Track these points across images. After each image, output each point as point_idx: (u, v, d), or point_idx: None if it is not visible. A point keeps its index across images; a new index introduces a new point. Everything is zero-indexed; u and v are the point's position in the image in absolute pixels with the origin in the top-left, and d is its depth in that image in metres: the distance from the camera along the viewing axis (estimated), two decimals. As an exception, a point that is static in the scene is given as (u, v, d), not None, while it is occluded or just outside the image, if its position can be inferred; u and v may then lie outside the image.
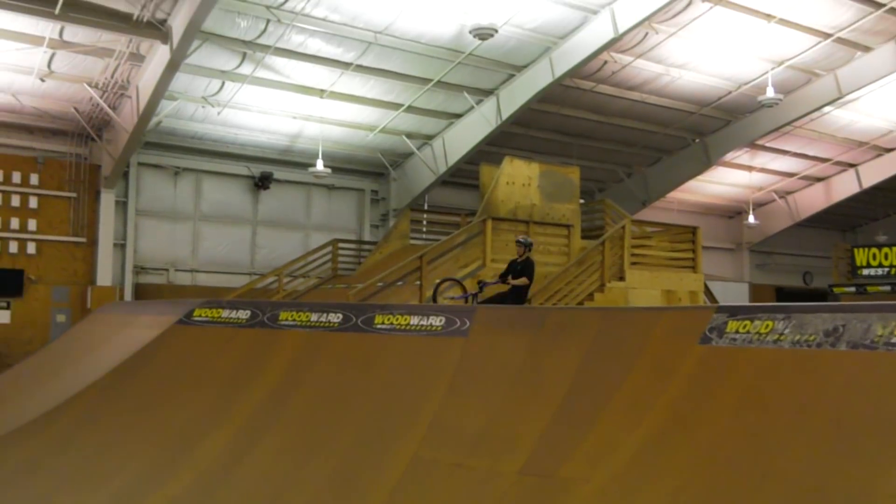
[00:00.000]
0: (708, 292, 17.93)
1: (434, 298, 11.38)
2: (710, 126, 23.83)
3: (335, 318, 5.66)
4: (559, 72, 18.25)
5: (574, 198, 17.02)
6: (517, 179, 16.17)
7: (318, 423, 5.02)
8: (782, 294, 32.24)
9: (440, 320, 5.56)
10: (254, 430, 5.11)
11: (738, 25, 17.88)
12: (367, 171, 23.40)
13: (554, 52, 18.17)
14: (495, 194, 15.77)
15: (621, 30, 16.66)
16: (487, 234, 14.91)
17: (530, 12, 16.56)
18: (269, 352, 5.73)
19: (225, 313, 6.49)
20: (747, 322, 4.45)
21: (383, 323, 5.64)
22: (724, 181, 28.21)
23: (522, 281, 11.72)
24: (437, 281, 12.30)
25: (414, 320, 5.64)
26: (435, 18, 16.53)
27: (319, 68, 18.16)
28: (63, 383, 7.28)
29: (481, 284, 11.95)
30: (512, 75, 19.31)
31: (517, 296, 11.61)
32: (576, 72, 18.58)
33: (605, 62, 19.01)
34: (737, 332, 4.47)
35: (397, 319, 5.66)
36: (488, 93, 20.04)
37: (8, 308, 18.38)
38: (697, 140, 24.59)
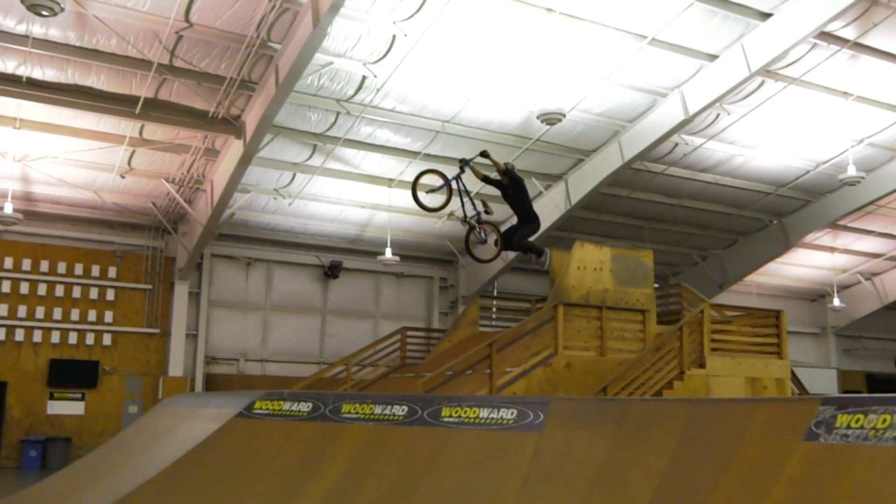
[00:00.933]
0: (795, 379, 16.90)
1: (414, 197, 10.20)
2: (789, 207, 23.07)
3: (400, 410, 5.34)
4: (629, 155, 18.00)
5: (648, 282, 16.44)
6: (588, 264, 15.73)
7: (382, 525, 4.68)
8: (874, 381, 30.41)
9: (512, 413, 5.17)
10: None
11: (815, 104, 17.40)
12: (435, 258, 23.34)
13: (623, 136, 17.98)
14: (566, 279, 15.35)
15: (692, 111, 16.37)
16: (559, 320, 14.43)
17: (598, 97, 16.46)
18: (331, 447, 5.41)
19: (286, 405, 6.23)
20: (860, 416, 3.93)
21: (451, 416, 5.29)
22: (806, 263, 27.13)
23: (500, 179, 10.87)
24: (414, 178, 10.45)
25: (483, 413, 5.26)
26: (502, 105, 16.58)
27: (388, 158, 18.34)
28: (124, 478, 7.09)
29: (463, 163, 10.43)
30: (581, 160, 19.14)
31: (527, 219, 11.05)
32: (646, 155, 18.30)
33: (676, 144, 18.69)
34: (848, 427, 3.95)
35: (465, 412, 5.30)
36: (557, 178, 19.88)
37: (82, 399, 18.59)
38: (775, 221, 23.81)
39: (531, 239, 11.71)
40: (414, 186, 10.15)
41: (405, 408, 5.34)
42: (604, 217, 22.31)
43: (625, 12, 14.26)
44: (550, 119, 15.26)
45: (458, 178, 10.35)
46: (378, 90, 15.65)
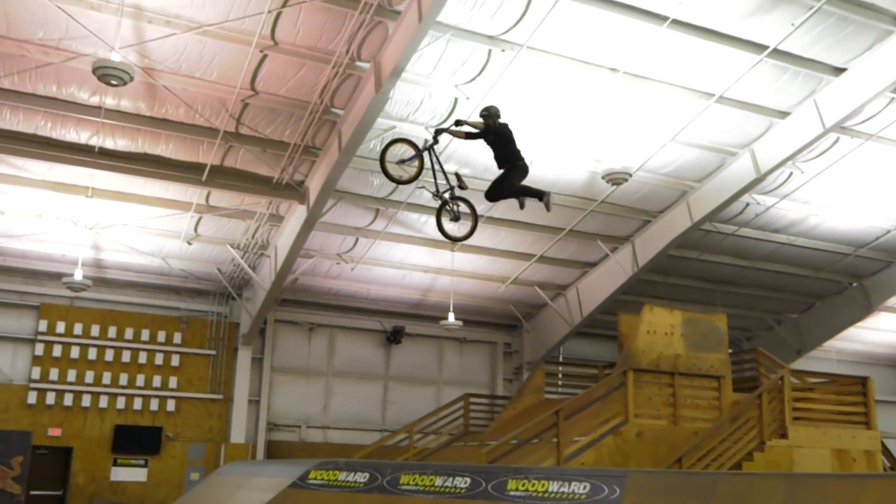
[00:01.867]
0: (886, 452, 15.83)
1: (382, 167, 9.43)
2: (869, 268, 22.02)
3: (462, 482, 4.96)
4: (698, 216, 17.46)
5: (722, 347, 15.75)
6: (659, 328, 15.17)
7: None
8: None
9: (584, 487, 4.74)
10: None
11: (893, 160, 16.68)
12: (499, 323, 22.94)
13: (691, 196, 17.49)
14: (636, 344, 14.80)
15: (763, 170, 15.83)
16: (629, 386, 13.87)
17: (664, 157, 16.07)
18: (389, 522, 5.07)
19: (342, 476, 5.90)
20: None
21: (517, 489, 4.88)
22: (891, 328, 25.76)
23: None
24: (382, 147, 9.80)
25: (553, 486, 4.85)
26: (566, 166, 16.32)
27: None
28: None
29: (437, 133, 9.74)
30: (647, 221, 18.68)
31: (515, 168, 9.84)
32: (715, 215, 17.72)
33: (748, 204, 18.07)
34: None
35: (533, 485, 4.89)
36: (623, 240, 19.42)
37: (145, 466, 18.52)
38: (855, 283, 22.73)
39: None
40: (382, 156, 9.59)
41: (468, 480, 4.96)
42: (672, 280, 21.64)
43: (691, 71, 13.98)
44: (616, 179, 14.95)
45: (430, 148, 9.79)
46: (441, 153, 15.56)
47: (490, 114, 9.57)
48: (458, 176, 10.34)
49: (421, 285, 20.75)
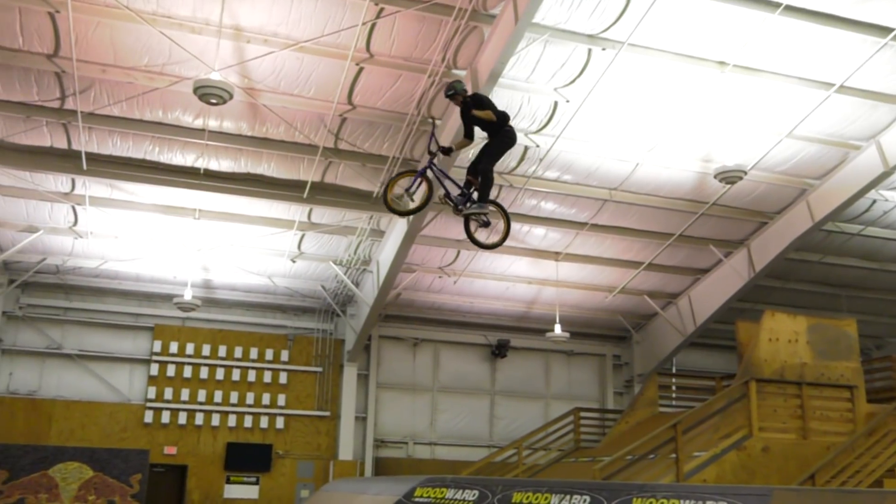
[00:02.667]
0: None
1: (387, 205, 8.67)
2: None
3: (581, 501, 4.49)
4: (819, 216, 16.36)
5: (853, 354, 14.58)
6: (781, 335, 14.17)
7: None
8: None
9: (722, 507, 4.22)
10: None
11: None
12: (607, 334, 22.22)
13: (811, 195, 16.40)
14: (757, 353, 13.87)
15: (891, 163, 14.70)
16: (752, 398, 12.97)
17: (781, 153, 15.14)
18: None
19: (449, 493, 5.54)
20: None
21: (644, 509, 4.40)
22: None
23: (487, 115, 8.79)
24: (386, 182, 9.10)
25: (685, 506, 4.34)
26: (675, 167, 15.61)
27: (553, 231, 17.70)
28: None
29: (432, 155, 8.86)
30: (764, 223, 17.65)
31: (500, 134, 8.90)
32: (839, 214, 16.57)
33: (874, 201, 16.84)
34: None
35: (662, 505, 4.40)
36: (738, 244, 18.42)
37: (257, 483, 18.71)
38: None
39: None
40: (385, 195, 8.92)
41: (587, 498, 4.50)
42: (792, 285, 20.42)
43: (807, 60, 13.10)
44: (730, 177, 14.12)
45: (430, 165, 8.94)
46: (541, 160, 15.17)
47: (456, 90, 8.91)
48: (469, 178, 9.21)
49: (525, 297, 20.29)
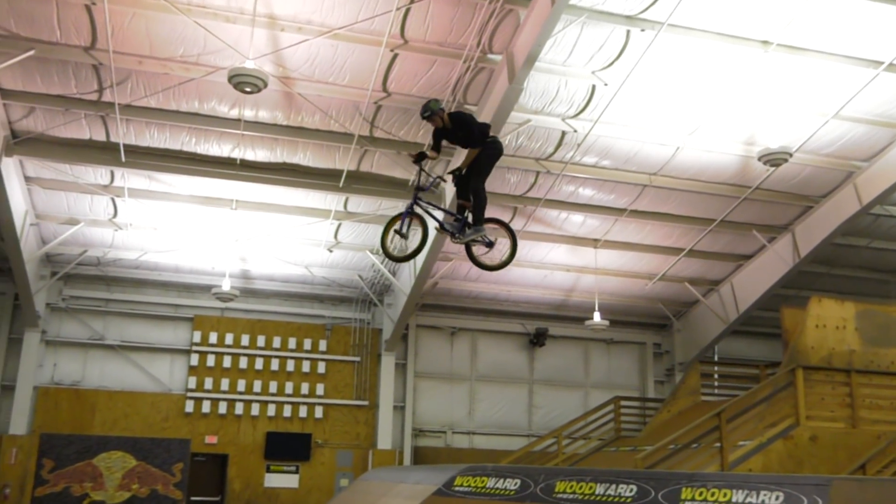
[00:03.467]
0: None
1: (388, 255, 8.35)
2: None
3: (627, 490, 4.33)
4: (867, 199, 15.88)
5: (904, 341, 14.14)
6: (829, 322, 13.78)
7: None
8: None
9: (776, 498, 4.00)
10: None
11: None
12: (647, 322, 21.91)
13: (859, 178, 15.93)
14: (803, 340, 13.50)
15: (943, 142, 14.22)
16: (799, 386, 12.63)
17: (827, 134, 14.70)
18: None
19: (490, 482, 5.41)
20: None
21: (693, 499, 4.20)
22: None
23: (470, 156, 8.19)
24: (381, 236, 8.35)
25: (737, 496, 4.13)
26: (717, 151, 15.26)
27: (592, 217, 17.45)
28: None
29: (418, 191, 8.33)
30: (809, 207, 17.19)
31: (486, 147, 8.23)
32: (888, 197, 16.08)
33: (925, 183, 16.29)
34: None
35: (713, 494, 4.20)
36: (782, 229, 17.98)
37: (296, 472, 18.79)
38: None
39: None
40: (384, 242, 8.49)
41: (633, 487, 4.33)
42: (839, 271, 19.91)
43: (854, 38, 12.68)
44: (774, 160, 13.74)
45: (416, 201, 8.48)
46: (579, 145, 14.92)
47: (433, 110, 8.18)
48: (461, 203, 8.62)
49: (563, 285, 20.06)
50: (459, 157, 12.97)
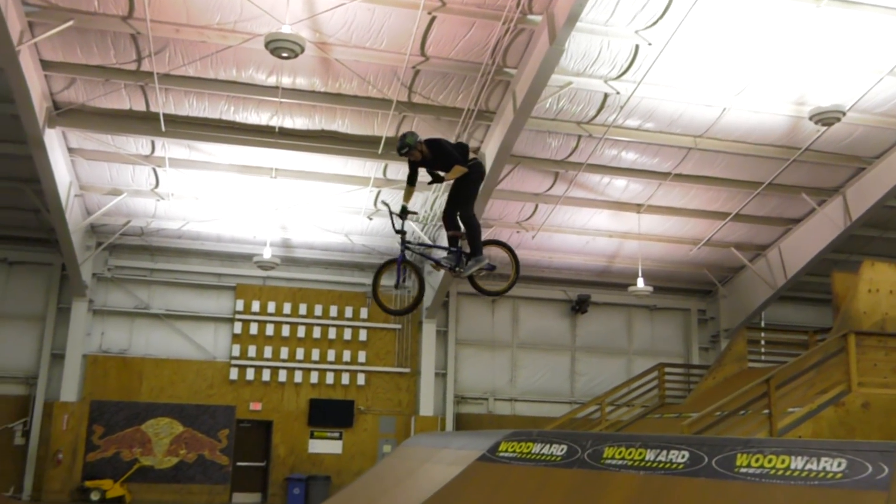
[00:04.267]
0: None
1: (383, 308, 7.78)
2: None
3: (679, 457, 4.19)
4: (922, 159, 15.33)
5: (961, 306, 13.68)
6: (882, 286, 13.40)
7: None
8: None
9: (839, 464, 3.83)
10: None
11: None
12: (692, 288, 21.56)
13: (914, 137, 15.36)
14: (855, 305, 13.16)
15: None
16: (850, 352, 12.27)
17: (881, 93, 14.12)
18: (593, 502, 4.39)
19: (536, 448, 5.30)
20: None
21: (749, 465, 4.04)
22: None
23: (456, 172, 7.61)
24: (372, 287, 7.80)
25: (797, 464, 3.96)
26: (765, 111, 14.79)
27: (635, 182, 17.11)
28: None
29: (403, 238, 7.80)
30: (861, 169, 16.65)
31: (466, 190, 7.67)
32: (944, 156, 15.51)
33: (985, 141, 15.68)
34: None
35: (770, 461, 4.04)
36: (832, 192, 17.46)
37: (340, 438, 18.97)
38: None
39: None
40: (377, 296, 7.92)
41: (685, 454, 4.18)
42: (892, 234, 19.31)
43: (911, -11, 12.10)
44: (826, 119, 13.28)
45: (405, 247, 7.94)
46: (621, 108, 14.57)
47: (411, 145, 7.60)
48: (452, 235, 8.11)
49: (606, 251, 19.79)
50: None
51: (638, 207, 17.90)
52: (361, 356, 19.44)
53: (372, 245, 19.31)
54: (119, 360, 18.46)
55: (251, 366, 18.85)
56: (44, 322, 18.39)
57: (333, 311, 19.49)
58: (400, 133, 7.69)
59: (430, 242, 7.54)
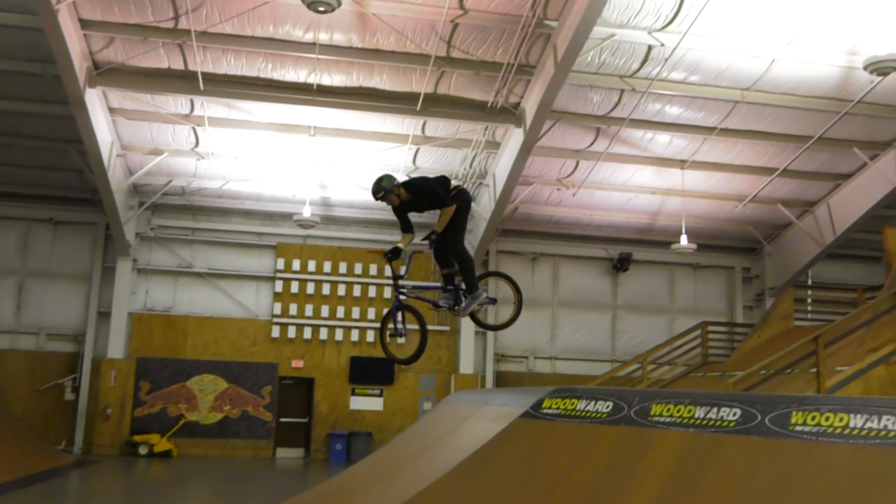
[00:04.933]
0: None
1: (388, 354, 7.26)
2: None
3: (730, 414, 4.06)
4: (983, 109, 14.70)
5: None
6: (937, 242, 12.99)
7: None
8: None
9: (900, 422, 3.66)
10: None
11: None
12: (736, 246, 21.16)
13: (973, 86, 14.71)
14: (908, 262, 12.77)
15: None
16: (903, 310, 11.96)
17: (939, 39, 13.54)
18: (640, 459, 4.28)
19: (580, 405, 5.21)
20: None
21: (805, 423, 3.89)
22: None
23: (447, 214, 7.09)
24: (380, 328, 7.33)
25: (855, 421, 3.80)
26: (816, 62, 14.26)
27: (679, 137, 16.71)
28: (403, 482, 6.57)
29: (398, 282, 7.32)
30: (916, 121, 16.06)
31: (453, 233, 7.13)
32: None
33: None
34: None
35: (827, 419, 3.88)
36: (885, 146, 16.89)
37: (380, 395, 19.13)
38: None
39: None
40: (385, 345, 7.40)
41: (737, 411, 4.04)
42: (947, 189, 18.66)
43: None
44: (882, 68, 12.75)
45: (400, 292, 7.42)
46: (666, 60, 14.16)
47: (386, 189, 7.06)
48: (446, 272, 7.62)
49: (649, 208, 19.45)
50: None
51: (682, 163, 17.52)
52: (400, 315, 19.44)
53: (410, 203, 19.19)
54: (164, 318, 18.75)
55: (292, 324, 19.01)
56: (90, 281, 18.73)
57: (373, 269, 19.52)
58: (377, 177, 7.08)
59: (424, 284, 6.85)
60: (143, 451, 17.55)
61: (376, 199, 7.16)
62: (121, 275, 18.41)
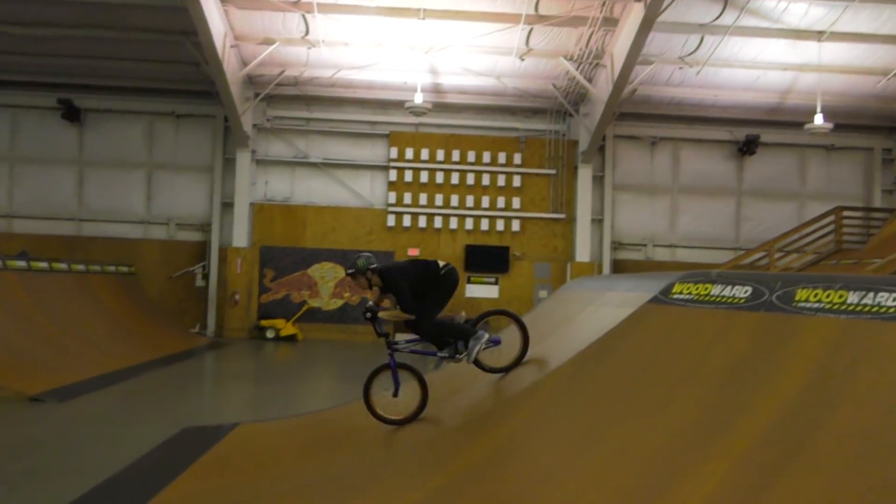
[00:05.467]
0: None
1: (369, 407, 6.69)
2: None
3: (890, 299, 3.67)
4: None
5: None
6: None
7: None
8: None
9: None
10: (761, 464, 3.50)
11: None
12: (876, 125, 19.66)
13: None
14: None
15: None
16: None
17: None
18: (784, 347, 3.98)
19: (715, 290, 4.89)
20: None
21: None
22: None
23: (392, 315, 6.74)
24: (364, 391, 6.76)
25: None
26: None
27: (817, 5, 15.32)
28: (524, 368, 6.48)
29: (391, 346, 6.76)
30: None
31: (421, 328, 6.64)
32: None
33: None
34: None
35: None
36: None
37: (496, 283, 19.20)
38: None
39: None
40: (370, 406, 6.75)
41: (894, 295, 3.67)
42: None
43: None
44: None
45: (392, 350, 6.76)
46: None
47: (359, 268, 6.79)
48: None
49: (779, 87, 18.16)
50: None
51: (819, 35, 16.12)
52: (516, 202, 19.26)
53: (524, 87, 18.66)
54: (283, 208, 19.23)
55: (407, 213, 19.14)
56: (212, 172, 19.34)
57: (486, 157, 19.25)
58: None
59: (417, 337, 6.02)
60: (270, 334, 18.40)
61: (346, 275, 7.22)
62: (241, 166, 18.87)
